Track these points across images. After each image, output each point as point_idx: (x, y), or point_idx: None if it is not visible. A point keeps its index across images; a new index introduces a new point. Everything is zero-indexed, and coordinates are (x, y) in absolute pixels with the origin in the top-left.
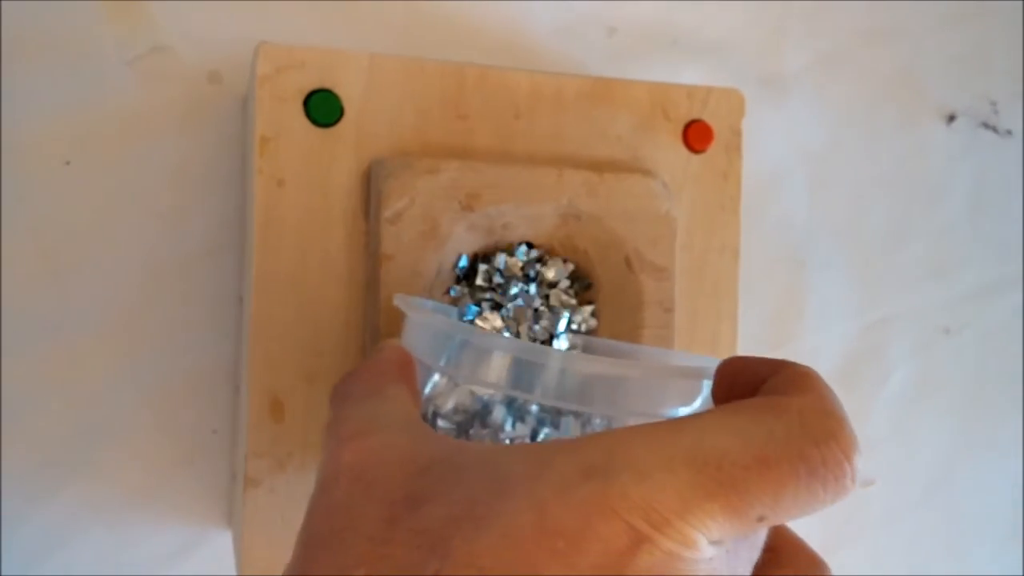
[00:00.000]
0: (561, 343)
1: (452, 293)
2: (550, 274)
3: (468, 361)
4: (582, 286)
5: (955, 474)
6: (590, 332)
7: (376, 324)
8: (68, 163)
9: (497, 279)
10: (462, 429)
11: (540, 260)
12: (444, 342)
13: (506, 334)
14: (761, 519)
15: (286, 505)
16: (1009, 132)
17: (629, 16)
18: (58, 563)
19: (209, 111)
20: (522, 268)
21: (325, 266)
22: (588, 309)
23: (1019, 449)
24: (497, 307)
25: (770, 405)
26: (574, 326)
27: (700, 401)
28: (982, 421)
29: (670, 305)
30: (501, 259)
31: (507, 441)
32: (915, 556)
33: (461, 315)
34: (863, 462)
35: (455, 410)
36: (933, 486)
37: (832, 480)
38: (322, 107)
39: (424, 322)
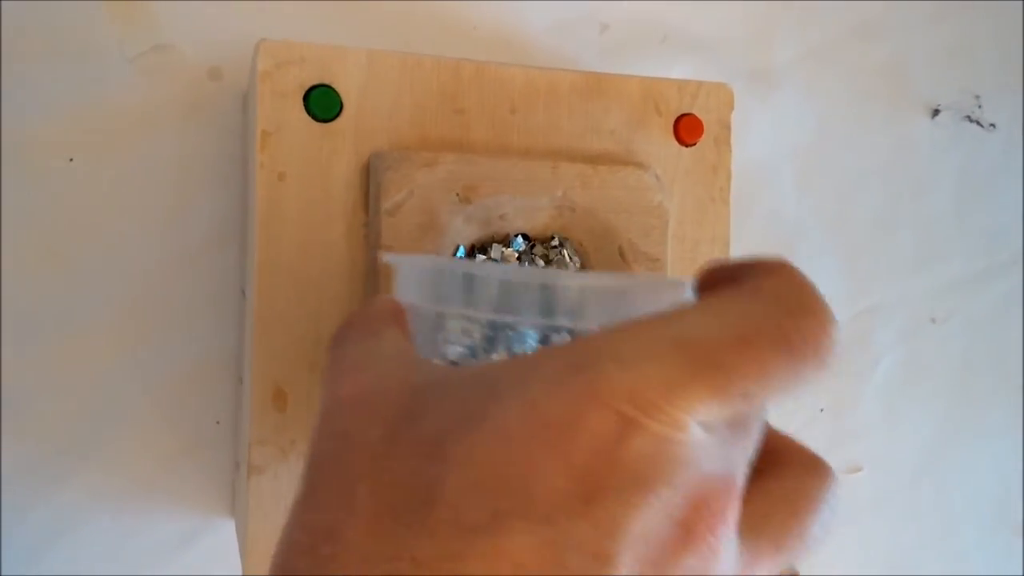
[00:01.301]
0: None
1: None
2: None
3: (455, 292)
4: None
5: (942, 460)
6: None
7: None
8: (71, 160)
9: None
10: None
11: (534, 249)
12: (429, 278)
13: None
14: (747, 397)
15: (289, 492)
16: (993, 125)
17: (620, 13)
18: (63, 552)
19: (210, 108)
20: (518, 258)
21: (326, 258)
22: None
23: (1005, 435)
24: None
25: (745, 289)
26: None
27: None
28: (969, 408)
29: None
30: (497, 250)
31: None
32: (903, 541)
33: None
34: (838, 340)
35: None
36: (920, 472)
37: (812, 352)
38: (322, 102)
39: (412, 265)
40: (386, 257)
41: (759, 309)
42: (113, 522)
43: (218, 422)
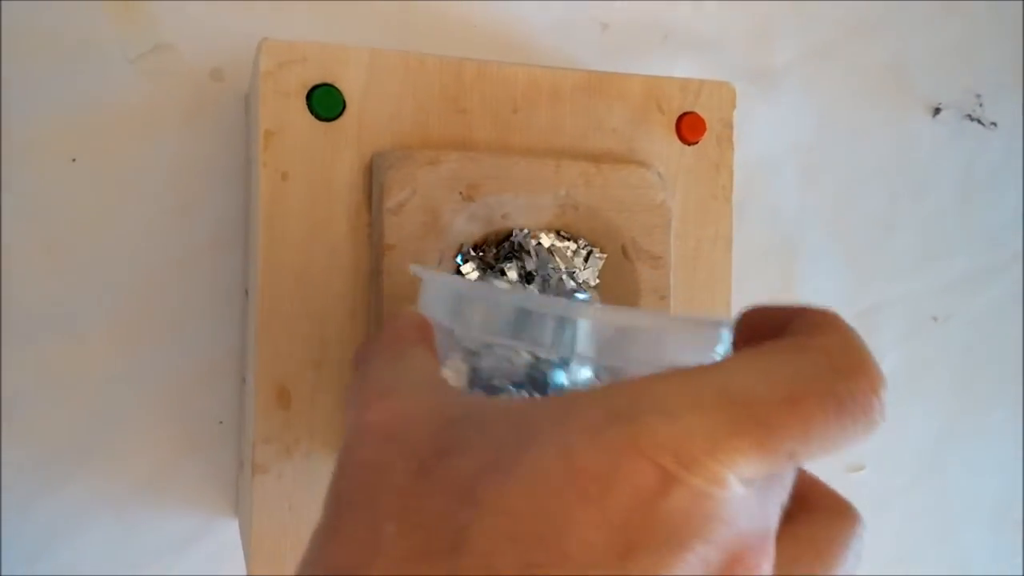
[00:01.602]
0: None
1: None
2: (585, 276)
3: (486, 318)
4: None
5: (944, 459)
6: None
7: (380, 313)
8: (74, 160)
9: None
10: (484, 386)
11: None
12: (460, 302)
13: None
14: (791, 456)
15: (293, 491)
16: (994, 124)
17: (621, 12)
18: (66, 552)
19: (212, 108)
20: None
21: (329, 257)
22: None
23: (1007, 433)
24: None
25: (795, 345)
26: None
27: (721, 352)
28: (970, 405)
29: (666, 293)
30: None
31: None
32: (905, 540)
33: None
34: (886, 401)
35: (476, 371)
36: (922, 471)
37: (861, 414)
38: (324, 101)
39: (441, 283)
40: (413, 269)
41: (808, 366)
42: (116, 522)
43: (221, 422)
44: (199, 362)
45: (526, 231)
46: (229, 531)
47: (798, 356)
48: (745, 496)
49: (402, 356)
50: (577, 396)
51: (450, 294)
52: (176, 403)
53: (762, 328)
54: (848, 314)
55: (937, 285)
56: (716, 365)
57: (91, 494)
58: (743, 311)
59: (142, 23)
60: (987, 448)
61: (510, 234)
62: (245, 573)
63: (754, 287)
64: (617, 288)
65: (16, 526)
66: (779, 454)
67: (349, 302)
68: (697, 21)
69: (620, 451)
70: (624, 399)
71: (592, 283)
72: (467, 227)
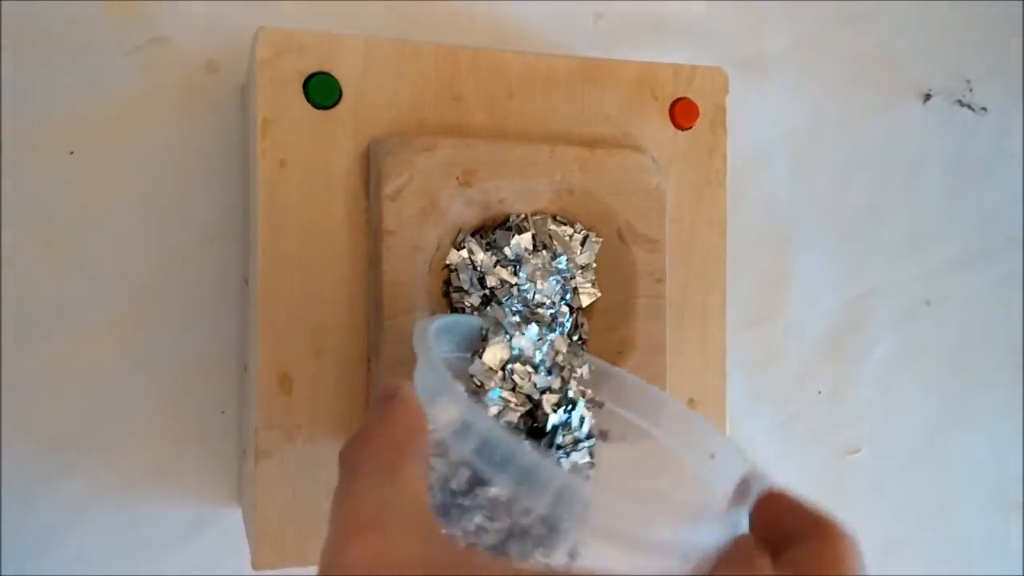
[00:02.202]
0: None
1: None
2: (582, 259)
3: (485, 456)
4: None
5: (940, 440)
6: (594, 302)
7: (379, 298)
8: (71, 153)
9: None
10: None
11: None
12: (463, 429)
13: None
14: None
15: (296, 476)
16: (984, 109)
17: (614, 2)
18: (71, 543)
19: (208, 99)
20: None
21: (328, 243)
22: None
23: (1002, 415)
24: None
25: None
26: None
27: (730, 529)
28: (965, 388)
29: (661, 276)
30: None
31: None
32: (901, 522)
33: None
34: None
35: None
36: (917, 453)
37: None
38: (321, 90)
39: (444, 392)
40: (416, 338)
41: None
42: (120, 513)
43: (223, 412)
44: (199, 352)
45: (523, 215)
46: (232, 520)
47: None
48: None
49: (392, 474)
50: None
51: (453, 407)
52: (177, 394)
53: (782, 522)
54: (842, 299)
55: (930, 269)
56: None
57: (93, 487)
58: (766, 495)
59: (137, 16)
60: (983, 429)
61: (507, 219)
62: (249, 560)
63: (748, 274)
64: (614, 272)
65: (18, 520)
66: None
67: (348, 287)
68: (689, 11)
69: None
70: None
71: (593, 265)
72: (465, 212)
